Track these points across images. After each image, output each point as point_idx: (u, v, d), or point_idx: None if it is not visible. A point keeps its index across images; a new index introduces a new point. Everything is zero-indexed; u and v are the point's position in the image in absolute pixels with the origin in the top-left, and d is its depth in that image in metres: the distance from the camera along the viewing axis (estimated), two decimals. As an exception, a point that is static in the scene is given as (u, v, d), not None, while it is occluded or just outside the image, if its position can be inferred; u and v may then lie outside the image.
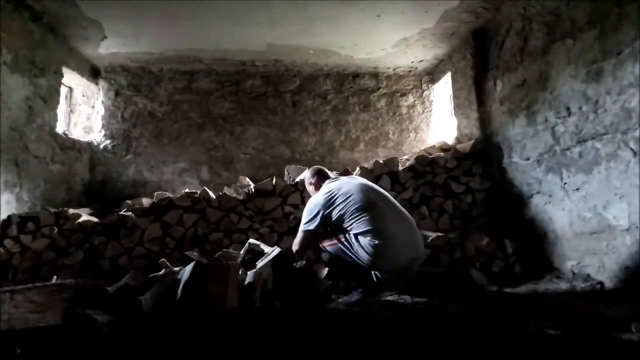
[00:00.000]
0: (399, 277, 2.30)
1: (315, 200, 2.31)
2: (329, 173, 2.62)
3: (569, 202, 2.62)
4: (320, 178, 2.53)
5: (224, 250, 2.74)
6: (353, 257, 2.17)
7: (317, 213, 2.24)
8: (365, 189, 2.29)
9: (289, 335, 1.62)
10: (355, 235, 2.16)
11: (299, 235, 2.33)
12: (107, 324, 1.45)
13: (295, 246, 2.33)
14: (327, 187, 2.36)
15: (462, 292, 2.44)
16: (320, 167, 2.71)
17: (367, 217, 2.13)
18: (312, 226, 2.25)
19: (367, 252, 2.11)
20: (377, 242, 2.08)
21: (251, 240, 2.69)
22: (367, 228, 2.11)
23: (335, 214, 2.20)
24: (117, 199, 3.89)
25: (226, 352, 1.42)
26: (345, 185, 2.30)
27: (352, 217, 2.16)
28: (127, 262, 2.90)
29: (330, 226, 2.27)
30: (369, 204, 2.18)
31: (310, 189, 2.61)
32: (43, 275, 2.75)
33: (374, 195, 2.27)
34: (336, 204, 2.21)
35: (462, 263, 2.82)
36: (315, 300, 2.30)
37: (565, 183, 2.64)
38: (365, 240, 2.11)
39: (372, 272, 2.29)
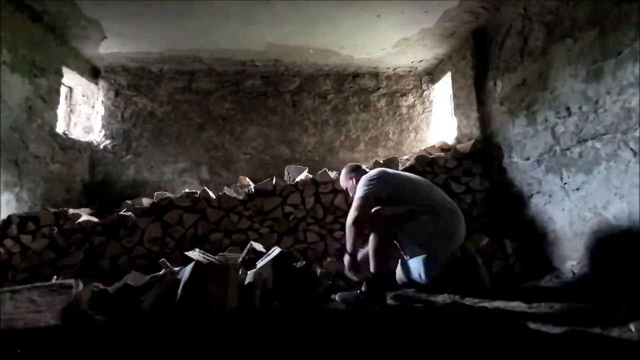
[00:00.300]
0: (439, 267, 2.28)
1: (370, 175, 2.31)
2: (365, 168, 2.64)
3: (569, 202, 2.62)
4: (360, 173, 2.53)
5: (220, 254, 2.73)
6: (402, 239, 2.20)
7: (372, 185, 2.24)
8: (425, 182, 2.47)
9: (289, 336, 1.62)
10: (413, 215, 2.16)
11: (355, 203, 2.20)
12: (107, 324, 1.45)
13: (352, 213, 2.16)
14: (379, 170, 2.38)
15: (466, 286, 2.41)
16: (357, 164, 2.75)
17: (433, 204, 2.22)
18: (368, 192, 2.21)
19: (426, 232, 2.14)
20: (441, 223, 2.15)
21: (253, 243, 2.69)
22: (434, 210, 2.18)
23: (397, 193, 2.24)
24: (117, 199, 3.89)
25: (226, 352, 1.42)
26: (406, 174, 2.44)
27: (419, 199, 2.22)
28: (127, 262, 2.90)
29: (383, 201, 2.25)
30: (432, 196, 2.30)
31: (349, 184, 2.57)
32: (43, 275, 2.75)
33: (435, 187, 2.44)
34: (398, 185, 2.27)
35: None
36: (315, 300, 2.30)
37: (565, 183, 2.64)
38: (427, 218, 2.14)
39: (408, 275, 2.30)
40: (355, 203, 2.20)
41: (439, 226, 2.16)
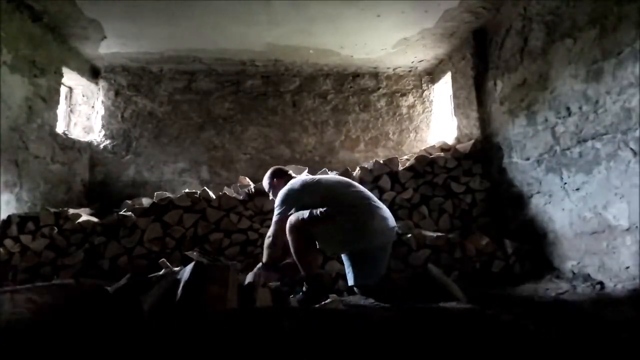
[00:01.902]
0: (372, 277, 2.26)
1: (287, 190, 2.34)
2: (291, 172, 2.66)
3: (569, 202, 2.62)
4: (282, 176, 2.58)
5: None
6: (325, 234, 2.21)
7: (287, 201, 2.29)
8: (344, 183, 2.40)
9: (289, 336, 1.62)
10: (334, 214, 2.17)
11: (274, 218, 2.34)
12: (107, 324, 1.44)
13: (271, 229, 2.33)
14: (302, 179, 2.42)
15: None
16: (278, 167, 2.73)
17: (348, 202, 2.21)
18: (283, 215, 2.28)
19: (347, 229, 2.16)
20: (360, 218, 2.16)
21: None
22: (350, 208, 2.18)
23: (311, 200, 2.24)
24: (117, 199, 3.88)
25: (226, 352, 1.42)
26: (325, 179, 2.42)
27: (334, 200, 2.21)
28: (127, 262, 2.90)
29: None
30: (351, 192, 2.29)
31: (272, 187, 2.61)
32: (43, 275, 2.75)
33: (355, 186, 2.38)
34: (315, 192, 2.28)
35: (462, 263, 2.82)
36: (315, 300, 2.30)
37: (565, 183, 2.64)
38: (344, 219, 2.16)
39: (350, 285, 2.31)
40: (274, 218, 2.32)
41: (355, 224, 2.17)
